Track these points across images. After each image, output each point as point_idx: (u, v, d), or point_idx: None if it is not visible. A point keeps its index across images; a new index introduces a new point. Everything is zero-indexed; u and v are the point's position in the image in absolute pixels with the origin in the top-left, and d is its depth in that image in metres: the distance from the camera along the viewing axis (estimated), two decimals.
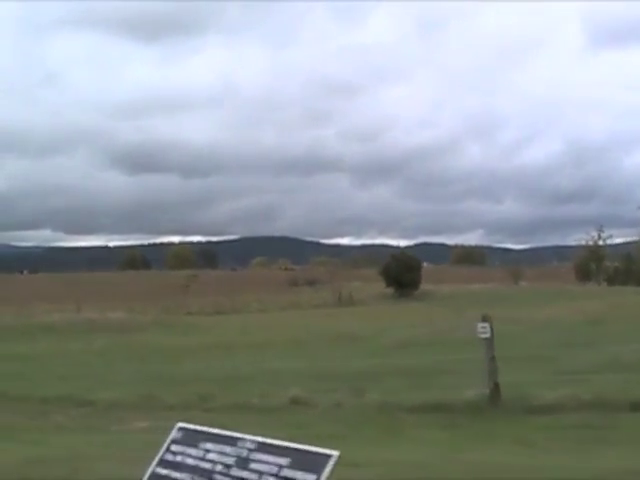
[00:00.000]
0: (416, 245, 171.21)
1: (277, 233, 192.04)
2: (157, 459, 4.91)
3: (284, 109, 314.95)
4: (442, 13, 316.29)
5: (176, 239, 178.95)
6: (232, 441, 4.45)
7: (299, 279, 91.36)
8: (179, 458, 4.73)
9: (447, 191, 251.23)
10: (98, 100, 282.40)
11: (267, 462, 4.11)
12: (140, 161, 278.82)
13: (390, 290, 65.00)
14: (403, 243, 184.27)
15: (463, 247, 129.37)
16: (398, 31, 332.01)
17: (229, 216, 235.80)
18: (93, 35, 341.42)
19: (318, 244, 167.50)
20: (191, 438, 4.77)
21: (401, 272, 63.34)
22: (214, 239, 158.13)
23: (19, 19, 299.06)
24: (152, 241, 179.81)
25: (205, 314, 52.78)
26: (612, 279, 72.87)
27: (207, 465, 4.47)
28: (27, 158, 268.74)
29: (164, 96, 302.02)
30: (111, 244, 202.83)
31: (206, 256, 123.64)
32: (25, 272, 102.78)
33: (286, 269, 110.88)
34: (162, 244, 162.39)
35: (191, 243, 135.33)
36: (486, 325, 14.27)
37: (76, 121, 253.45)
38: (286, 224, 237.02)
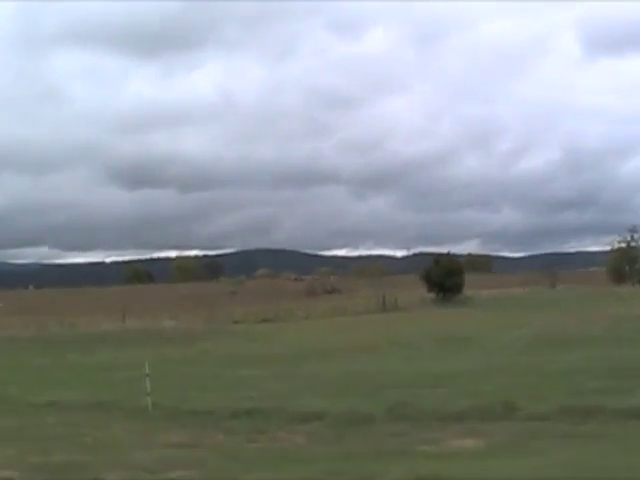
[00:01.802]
0: (413, 255, 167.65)
1: (275, 246, 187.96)
2: None
3: (282, 122, 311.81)
4: (439, 24, 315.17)
5: (173, 254, 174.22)
6: None
7: (316, 288, 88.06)
8: None
9: (444, 201, 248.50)
10: (97, 115, 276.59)
11: None
12: (138, 176, 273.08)
13: (431, 295, 61.18)
14: (400, 253, 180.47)
15: (470, 255, 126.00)
16: (396, 42, 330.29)
17: (227, 230, 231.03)
18: (92, 51, 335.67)
19: (316, 256, 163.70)
20: None
21: (443, 276, 59.56)
22: (212, 253, 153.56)
23: (18, 34, 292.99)
24: (149, 256, 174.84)
25: (252, 322, 48.60)
26: None
27: None
28: (25, 174, 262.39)
29: (163, 111, 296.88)
30: (108, 260, 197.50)
31: (211, 268, 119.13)
32: (30, 287, 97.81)
33: (296, 280, 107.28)
34: (159, 259, 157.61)
35: (188, 257, 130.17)
36: None
37: (75, 137, 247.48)
38: (284, 236, 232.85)
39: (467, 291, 62.23)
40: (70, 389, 18.56)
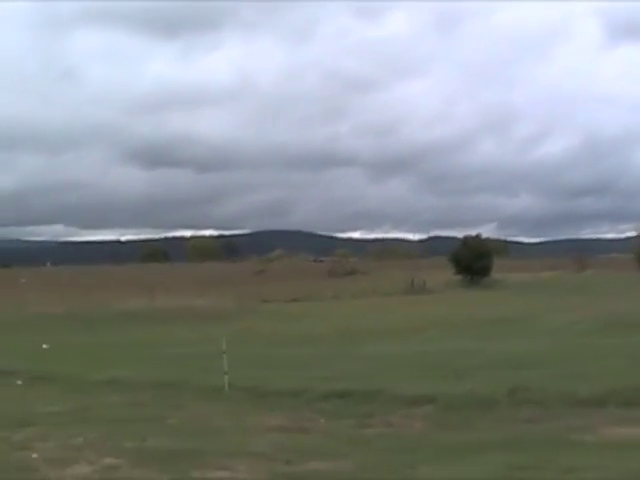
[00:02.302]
0: (429, 238, 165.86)
1: (290, 227, 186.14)
2: None
3: (300, 104, 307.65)
4: (459, 7, 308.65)
5: (188, 233, 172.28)
6: None
7: (337, 269, 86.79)
8: None
9: (461, 185, 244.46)
10: (116, 96, 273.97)
11: None
12: (155, 156, 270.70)
13: (459, 277, 59.74)
14: (416, 237, 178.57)
15: (488, 239, 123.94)
16: (415, 26, 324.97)
17: (242, 210, 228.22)
18: (111, 31, 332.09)
19: (331, 238, 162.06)
20: None
21: (472, 259, 58.05)
22: (226, 233, 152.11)
23: (37, 14, 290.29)
24: (164, 235, 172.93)
25: (280, 301, 47.23)
26: None
27: None
28: (43, 154, 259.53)
29: (181, 91, 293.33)
30: (123, 238, 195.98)
31: (228, 248, 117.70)
32: (48, 264, 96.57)
33: (315, 261, 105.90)
34: (174, 238, 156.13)
35: (204, 237, 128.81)
36: None
37: (93, 117, 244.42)
38: (299, 218, 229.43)
39: (494, 274, 60.80)
40: (127, 367, 17.26)
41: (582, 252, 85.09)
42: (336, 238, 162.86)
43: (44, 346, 22.45)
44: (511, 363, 15.60)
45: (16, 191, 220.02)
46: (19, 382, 16.41)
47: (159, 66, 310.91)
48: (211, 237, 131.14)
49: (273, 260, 71.37)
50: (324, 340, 24.92)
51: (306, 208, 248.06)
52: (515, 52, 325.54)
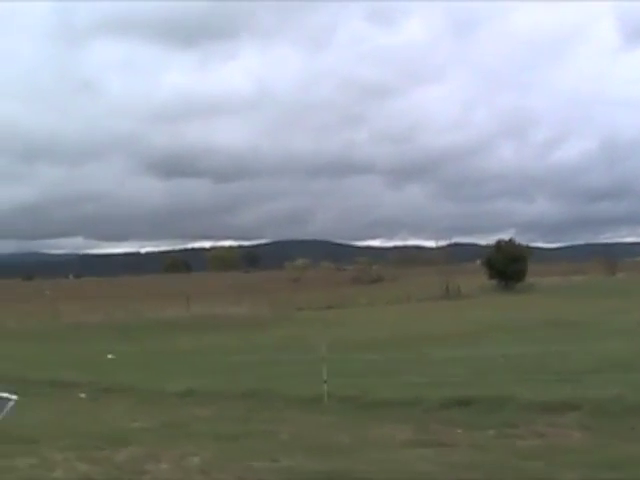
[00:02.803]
0: (448, 246, 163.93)
1: (307, 236, 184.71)
2: None
3: (317, 112, 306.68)
4: (475, 12, 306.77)
5: (207, 244, 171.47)
6: None
7: (362, 277, 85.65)
8: None
9: (479, 191, 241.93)
10: (133, 106, 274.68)
11: None
12: (173, 166, 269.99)
13: (492, 282, 58.25)
14: (435, 244, 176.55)
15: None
16: (431, 31, 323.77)
17: (260, 220, 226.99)
18: (128, 42, 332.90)
19: (350, 246, 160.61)
20: None
21: (506, 263, 56.52)
22: (245, 243, 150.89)
23: (55, 27, 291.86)
24: (183, 246, 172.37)
25: (315, 309, 45.86)
26: None
27: None
28: (62, 166, 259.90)
29: (199, 101, 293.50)
30: (143, 250, 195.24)
31: (248, 258, 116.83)
32: (70, 276, 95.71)
33: (338, 269, 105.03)
34: (193, 249, 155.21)
35: (224, 248, 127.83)
36: None
37: (111, 128, 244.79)
38: (317, 227, 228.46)
39: (529, 279, 59.29)
40: (199, 376, 15.92)
41: (609, 256, 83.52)
42: (354, 246, 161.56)
43: (109, 356, 21.07)
44: (616, 365, 14.19)
45: (36, 203, 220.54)
46: (82, 395, 15.10)
47: (176, 76, 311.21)
48: (230, 247, 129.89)
49: (305, 268, 70.58)
50: (388, 345, 23.47)
51: (324, 217, 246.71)
52: (531, 56, 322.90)
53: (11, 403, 5.19)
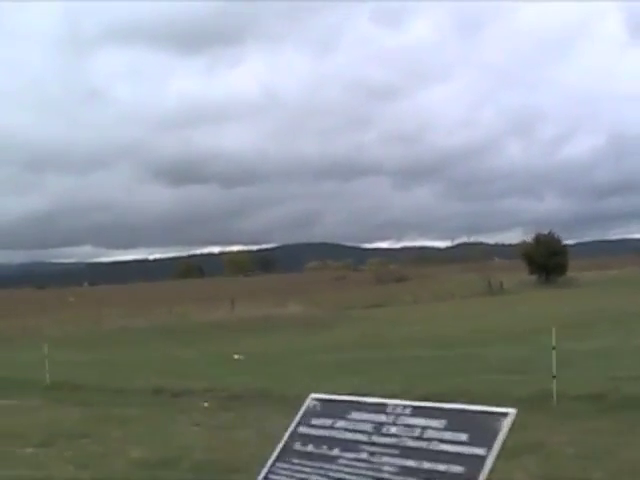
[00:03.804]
0: (456, 245, 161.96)
1: (317, 239, 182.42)
2: None
3: (325, 115, 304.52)
4: (481, 12, 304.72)
5: (216, 249, 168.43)
6: None
7: (384, 277, 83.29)
8: None
9: (487, 190, 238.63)
10: (141, 114, 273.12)
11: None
12: (181, 173, 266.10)
13: (533, 277, 55.77)
14: (442, 244, 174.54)
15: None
16: (437, 31, 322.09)
17: (268, 224, 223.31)
18: (135, 50, 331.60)
19: (359, 248, 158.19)
20: None
21: (546, 257, 54.01)
22: (254, 248, 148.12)
23: (62, 36, 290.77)
24: (192, 252, 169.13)
25: (361, 307, 43.37)
26: None
27: None
28: (70, 174, 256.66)
29: (206, 107, 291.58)
30: (152, 257, 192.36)
31: (262, 262, 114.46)
32: (85, 284, 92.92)
33: (355, 270, 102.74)
34: (202, 255, 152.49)
35: (237, 252, 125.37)
36: None
37: (119, 136, 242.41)
38: (326, 230, 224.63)
39: (570, 273, 56.84)
40: (341, 377, 13.35)
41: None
42: (363, 248, 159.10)
43: (236, 357, 18.38)
44: None
45: (44, 213, 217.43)
46: (205, 404, 12.52)
47: (184, 83, 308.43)
48: (243, 251, 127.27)
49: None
50: (497, 340, 20.90)
51: (332, 219, 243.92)
52: (538, 54, 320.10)
53: (509, 419, 2.51)
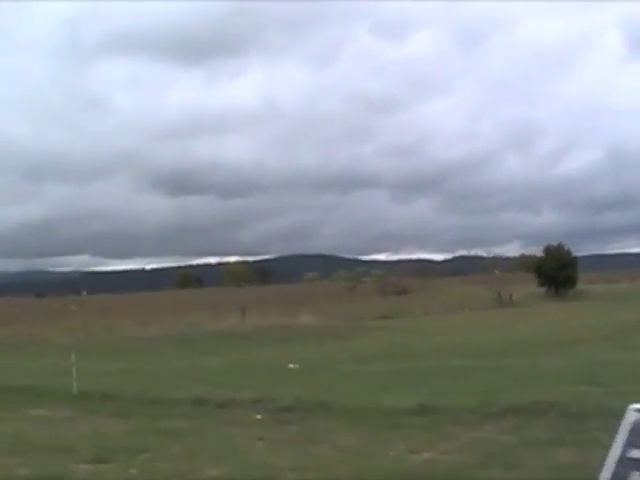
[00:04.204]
0: (454, 258, 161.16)
1: (314, 251, 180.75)
2: None
3: (324, 127, 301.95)
4: (481, 25, 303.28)
5: (213, 260, 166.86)
6: None
7: (387, 289, 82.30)
8: None
9: (485, 204, 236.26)
10: (140, 124, 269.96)
11: None
12: (180, 183, 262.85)
13: (542, 289, 54.97)
14: (440, 257, 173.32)
15: (523, 256, 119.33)
16: (437, 44, 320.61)
17: (266, 236, 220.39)
18: (135, 59, 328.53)
19: (355, 260, 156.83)
20: None
21: (556, 269, 53.24)
22: (251, 259, 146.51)
23: (63, 44, 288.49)
24: (188, 263, 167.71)
25: (371, 318, 42.44)
26: None
27: None
28: (68, 184, 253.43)
29: (206, 118, 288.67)
30: (148, 267, 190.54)
31: (260, 273, 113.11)
32: (84, 293, 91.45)
33: (358, 281, 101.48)
34: (198, 265, 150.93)
35: (234, 263, 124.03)
36: None
37: (119, 145, 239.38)
38: (323, 242, 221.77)
39: (580, 286, 56.11)
40: (404, 389, 12.38)
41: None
42: (360, 260, 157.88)
43: (291, 366, 17.30)
44: None
45: (42, 221, 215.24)
46: (258, 416, 11.50)
47: (183, 93, 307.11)
48: (240, 262, 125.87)
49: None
50: (524, 352, 20.01)
51: (330, 231, 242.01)
52: (537, 68, 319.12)
53: None
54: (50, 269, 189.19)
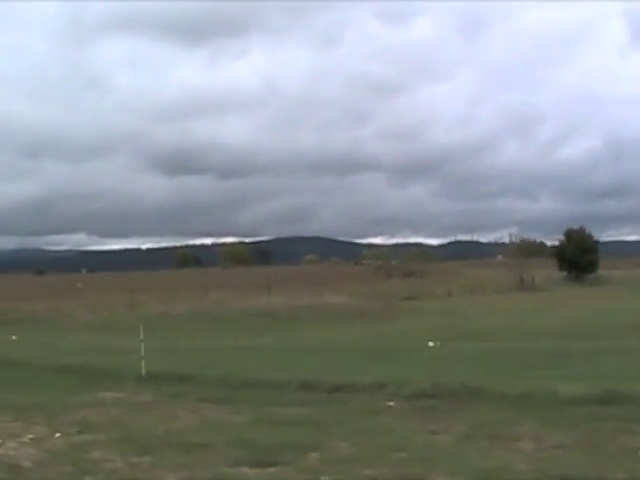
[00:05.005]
0: (449, 243, 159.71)
1: (310, 233, 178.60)
2: None
3: (324, 109, 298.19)
4: (483, 11, 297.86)
5: (208, 241, 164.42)
6: None
7: (393, 271, 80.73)
8: None
9: (483, 189, 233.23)
10: (141, 103, 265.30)
11: None
12: (178, 163, 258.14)
13: (561, 274, 53.42)
14: (435, 242, 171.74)
15: (524, 241, 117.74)
16: (439, 29, 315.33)
17: (262, 217, 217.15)
18: (137, 39, 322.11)
19: (351, 244, 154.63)
20: None
21: (578, 254, 51.63)
22: (247, 240, 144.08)
23: (64, 23, 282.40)
24: (185, 243, 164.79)
25: (396, 299, 40.62)
26: None
27: None
28: (67, 162, 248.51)
29: (207, 98, 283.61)
30: (144, 247, 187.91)
31: (260, 255, 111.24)
32: (83, 271, 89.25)
33: (356, 264, 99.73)
34: (194, 246, 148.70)
35: (232, 244, 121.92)
36: None
37: (118, 124, 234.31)
38: (320, 225, 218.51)
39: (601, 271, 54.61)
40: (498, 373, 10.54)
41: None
42: (357, 244, 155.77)
43: (431, 344, 15.34)
44: None
45: (39, 199, 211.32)
46: (390, 403, 9.67)
47: (184, 73, 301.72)
48: (239, 243, 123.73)
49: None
50: (608, 334, 18.23)
51: (327, 214, 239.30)
52: (539, 54, 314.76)
53: None
54: (45, 247, 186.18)
